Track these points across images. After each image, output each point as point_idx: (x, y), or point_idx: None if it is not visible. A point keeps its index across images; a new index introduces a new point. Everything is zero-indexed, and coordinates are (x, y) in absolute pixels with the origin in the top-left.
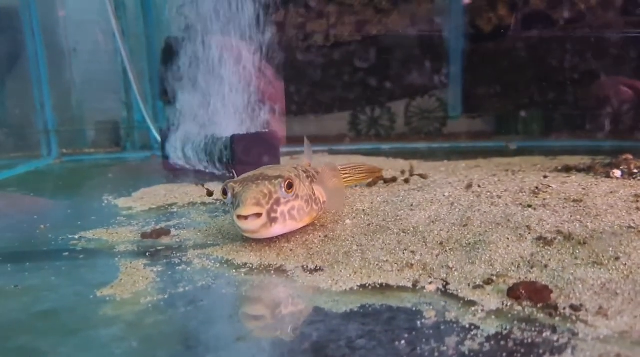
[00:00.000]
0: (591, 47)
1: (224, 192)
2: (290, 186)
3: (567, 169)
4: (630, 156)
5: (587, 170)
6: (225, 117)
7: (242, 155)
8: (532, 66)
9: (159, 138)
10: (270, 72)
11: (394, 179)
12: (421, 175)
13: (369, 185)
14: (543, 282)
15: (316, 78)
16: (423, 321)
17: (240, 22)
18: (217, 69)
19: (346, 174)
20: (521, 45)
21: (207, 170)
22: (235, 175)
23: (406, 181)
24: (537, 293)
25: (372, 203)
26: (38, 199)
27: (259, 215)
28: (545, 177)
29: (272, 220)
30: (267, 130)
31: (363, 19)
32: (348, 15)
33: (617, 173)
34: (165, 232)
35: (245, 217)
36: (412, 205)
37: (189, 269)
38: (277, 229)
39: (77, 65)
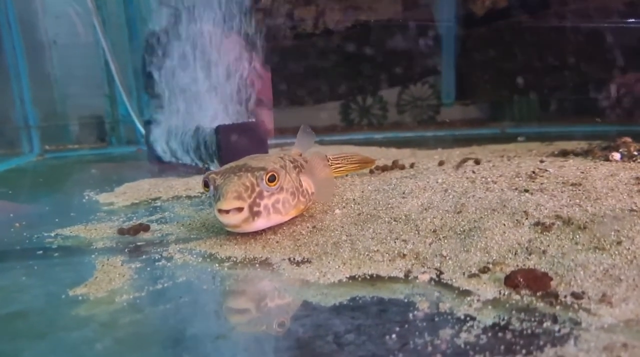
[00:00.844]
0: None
1: (205, 185)
2: (272, 179)
3: (564, 153)
4: (629, 139)
5: (585, 154)
6: (211, 109)
7: (228, 147)
8: (527, 51)
9: (143, 132)
10: (258, 63)
11: (385, 168)
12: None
13: (371, 172)
14: (542, 269)
15: (305, 67)
16: (415, 313)
17: (226, 10)
18: (202, 59)
19: (338, 164)
20: (516, 30)
21: (194, 164)
22: (212, 168)
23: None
24: (536, 281)
25: (362, 192)
26: (15, 198)
27: (240, 209)
28: (541, 161)
29: (255, 214)
30: (253, 121)
31: (353, 5)
32: (338, 1)
33: (617, 156)
34: (145, 227)
35: (227, 211)
36: (404, 193)
37: (169, 264)
38: (260, 223)
39: (58, 58)
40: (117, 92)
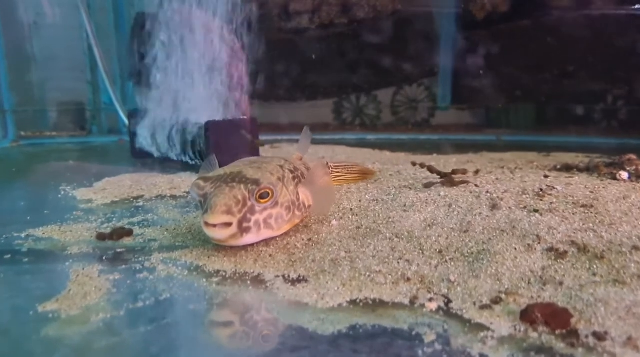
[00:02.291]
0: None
1: (194, 190)
2: (265, 196)
3: (568, 168)
4: (633, 156)
5: (590, 170)
6: (199, 101)
7: (217, 144)
8: (525, 57)
9: (127, 122)
10: (239, 49)
11: None
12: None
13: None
14: (559, 303)
15: (299, 62)
16: (425, 349)
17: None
18: (190, 47)
19: (338, 173)
20: (516, 34)
21: (179, 159)
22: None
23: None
24: (555, 317)
25: (360, 201)
26: None
27: (228, 224)
28: (546, 176)
29: (244, 230)
30: (244, 117)
31: (351, 2)
32: None
33: (624, 175)
34: (127, 232)
35: (214, 225)
36: (405, 205)
37: (151, 277)
38: (248, 239)
39: (38, 40)
40: (100, 78)
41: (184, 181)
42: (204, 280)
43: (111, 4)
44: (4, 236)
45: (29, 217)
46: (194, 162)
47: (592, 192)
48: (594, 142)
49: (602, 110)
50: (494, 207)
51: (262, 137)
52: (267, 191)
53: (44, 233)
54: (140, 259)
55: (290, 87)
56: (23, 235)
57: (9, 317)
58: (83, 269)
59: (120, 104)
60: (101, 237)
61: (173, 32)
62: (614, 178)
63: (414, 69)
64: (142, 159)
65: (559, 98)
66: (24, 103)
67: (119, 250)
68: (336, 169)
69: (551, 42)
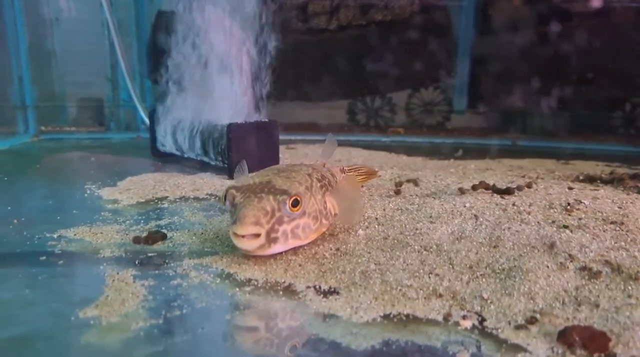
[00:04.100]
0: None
1: (225, 199)
2: (295, 204)
3: (591, 180)
4: None
5: (614, 182)
6: (219, 102)
7: (239, 147)
8: (544, 61)
9: (146, 119)
10: (259, 50)
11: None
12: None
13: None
14: (595, 324)
15: (315, 62)
16: None
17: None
18: (209, 47)
19: (350, 175)
20: (534, 39)
21: (199, 158)
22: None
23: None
24: (593, 341)
25: (384, 210)
26: (11, 186)
27: (257, 235)
28: (570, 188)
29: (272, 240)
30: (266, 120)
31: (369, 4)
32: None
33: None
34: (161, 236)
35: (242, 236)
36: (431, 216)
37: (185, 284)
38: (276, 249)
39: (60, 36)
40: (120, 75)
41: (206, 183)
42: (237, 288)
43: (133, 1)
44: (37, 237)
45: (58, 217)
46: (214, 163)
47: (620, 208)
48: (611, 150)
49: (620, 118)
50: (551, 247)
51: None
52: (298, 199)
53: (75, 234)
54: (172, 264)
55: (306, 88)
56: (55, 236)
57: (51, 322)
58: (117, 273)
59: (139, 101)
60: (137, 240)
61: (193, 32)
62: None
63: (430, 72)
64: (161, 158)
65: (577, 104)
66: (45, 98)
67: (150, 254)
68: (349, 172)
69: (569, 49)
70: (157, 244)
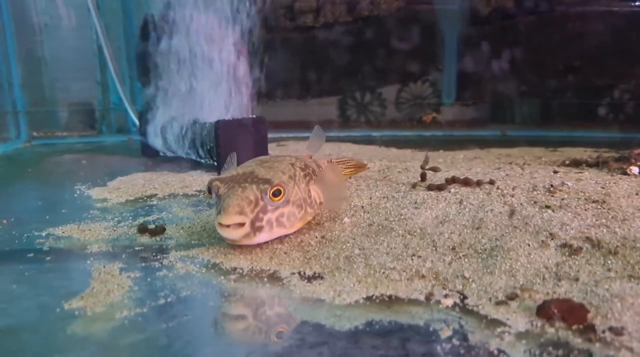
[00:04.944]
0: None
1: (209, 191)
2: (277, 194)
3: (577, 163)
4: None
5: (599, 165)
6: (207, 100)
7: (227, 144)
8: (530, 51)
9: (136, 121)
10: (245, 48)
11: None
12: (433, 169)
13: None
14: (575, 299)
15: (304, 60)
16: (442, 344)
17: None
18: (196, 47)
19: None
20: (520, 30)
21: (188, 157)
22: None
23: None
24: (571, 313)
25: (370, 198)
26: (2, 189)
27: (241, 224)
28: (555, 172)
29: (257, 229)
30: (254, 116)
31: (355, 0)
32: None
33: (635, 170)
34: (161, 229)
35: (227, 225)
36: (416, 202)
37: (170, 274)
38: (262, 238)
39: (49, 41)
40: (110, 78)
41: (195, 180)
42: (222, 277)
43: (120, 6)
44: (25, 235)
45: (47, 216)
46: (203, 161)
47: (603, 188)
48: (600, 137)
49: (608, 105)
50: (512, 214)
51: (268, 135)
52: (280, 188)
53: (63, 232)
54: (158, 256)
55: (295, 85)
56: (44, 234)
57: (37, 315)
58: (104, 267)
59: (129, 104)
60: (143, 230)
61: (179, 33)
62: (625, 173)
63: (419, 66)
64: (152, 158)
65: (565, 93)
66: (36, 104)
67: (136, 248)
68: (338, 164)
69: (556, 38)
70: (143, 238)
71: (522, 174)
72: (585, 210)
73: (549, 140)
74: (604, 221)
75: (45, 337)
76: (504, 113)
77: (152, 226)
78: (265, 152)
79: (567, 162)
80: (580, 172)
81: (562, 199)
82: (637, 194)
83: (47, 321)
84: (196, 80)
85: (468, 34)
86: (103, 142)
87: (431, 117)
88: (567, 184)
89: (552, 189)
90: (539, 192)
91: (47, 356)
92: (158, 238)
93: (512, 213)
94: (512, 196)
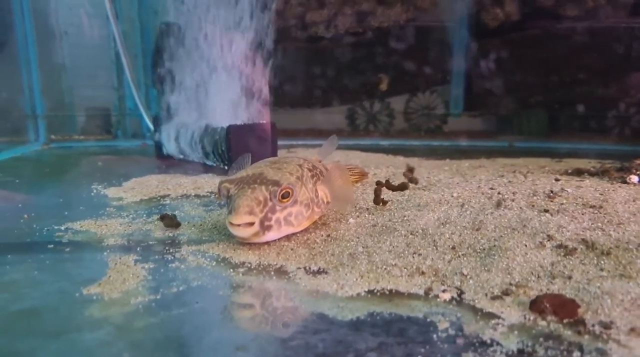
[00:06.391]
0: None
1: (220, 192)
2: (286, 196)
3: (579, 172)
4: None
5: (601, 174)
6: (219, 107)
7: (238, 148)
8: (537, 64)
9: (151, 126)
10: (258, 57)
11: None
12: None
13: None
14: (567, 295)
15: (315, 70)
16: (439, 333)
17: (237, 10)
18: (211, 57)
19: None
20: (528, 43)
21: (201, 161)
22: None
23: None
24: (563, 307)
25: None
26: (22, 188)
27: (251, 223)
28: (557, 180)
29: (266, 228)
30: (265, 122)
31: (365, 11)
32: (350, 6)
33: (634, 179)
34: (177, 223)
35: (238, 225)
36: (419, 205)
37: (182, 266)
38: (270, 236)
39: (68, 49)
40: (126, 85)
41: (207, 182)
42: (231, 270)
43: (137, 15)
44: (46, 228)
45: (66, 212)
46: (215, 165)
47: (601, 194)
48: (606, 149)
49: (614, 118)
50: (498, 205)
51: (279, 142)
52: (288, 190)
53: (81, 226)
54: (171, 250)
55: (305, 94)
56: (62, 228)
57: (58, 298)
58: (120, 258)
59: (144, 110)
60: (163, 218)
61: (194, 41)
62: (624, 181)
63: (427, 77)
64: (166, 161)
65: (572, 105)
66: (55, 108)
67: (151, 242)
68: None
69: (563, 50)
70: (157, 234)
71: (524, 181)
72: (583, 214)
73: (555, 152)
74: (599, 224)
75: (66, 318)
76: (511, 124)
77: (172, 214)
78: (276, 156)
79: (569, 171)
80: (581, 180)
81: (561, 204)
82: (634, 200)
83: (67, 304)
84: (209, 87)
85: (476, 46)
86: (118, 146)
87: (382, 80)
88: (566, 191)
89: (551, 194)
90: (538, 197)
91: (67, 333)
92: (171, 233)
93: (498, 204)
94: (513, 200)
